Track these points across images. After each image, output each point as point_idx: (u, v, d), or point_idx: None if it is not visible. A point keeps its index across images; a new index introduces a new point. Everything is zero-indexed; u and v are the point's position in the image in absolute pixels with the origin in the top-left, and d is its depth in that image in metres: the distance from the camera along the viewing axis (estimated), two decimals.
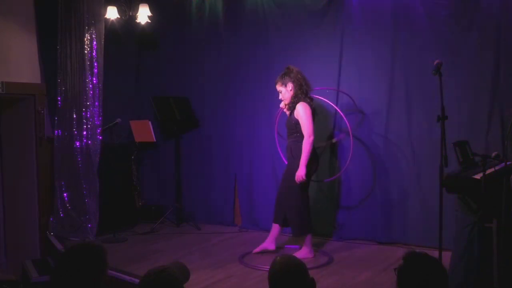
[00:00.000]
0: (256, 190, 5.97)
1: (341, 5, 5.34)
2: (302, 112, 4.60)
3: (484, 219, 3.48)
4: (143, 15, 5.91)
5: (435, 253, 3.36)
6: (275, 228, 4.89)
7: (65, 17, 5.57)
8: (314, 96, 4.94)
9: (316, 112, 4.85)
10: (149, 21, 5.96)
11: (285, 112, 4.89)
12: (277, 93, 4.79)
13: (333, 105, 5.18)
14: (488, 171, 3.44)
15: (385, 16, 5.10)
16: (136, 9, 5.96)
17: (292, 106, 4.69)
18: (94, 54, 5.53)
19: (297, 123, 4.65)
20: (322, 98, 5.13)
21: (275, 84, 4.80)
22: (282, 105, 4.86)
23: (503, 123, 4.56)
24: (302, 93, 4.68)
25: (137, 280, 4.06)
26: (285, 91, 4.73)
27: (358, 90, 5.29)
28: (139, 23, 5.99)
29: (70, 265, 2.16)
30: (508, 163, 3.45)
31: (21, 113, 5.76)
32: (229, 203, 6.17)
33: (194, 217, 6.21)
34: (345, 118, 5.06)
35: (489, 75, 4.63)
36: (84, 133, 5.55)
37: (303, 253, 4.69)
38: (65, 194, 5.63)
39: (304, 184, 4.67)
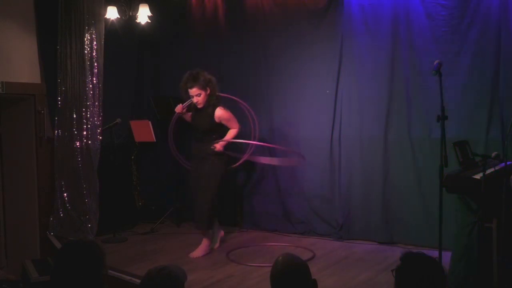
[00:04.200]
0: (256, 190, 5.96)
1: (341, 5, 5.33)
2: (226, 115, 4.90)
3: (484, 219, 3.48)
4: (143, 15, 5.90)
5: (435, 253, 3.36)
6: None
7: (65, 17, 5.55)
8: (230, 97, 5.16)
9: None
10: (149, 21, 5.96)
11: (184, 116, 5.10)
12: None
13: (246, 105, 5.27)
14: (488, 171, 3.45)
15: (385, 16, 5.10)
16: (136, 9, 5.95)
17: (211, 110, 4.86)
18: (94, 54, 5.52)
19: (220, 125, 4.89)
20: (235, 99, 5.24)
21: (192, 87, 4.81)
22: (178, 109, 4.99)
23: (503, 123, 4.56)
24: (216, 97, 4.89)
25: (137, 280, 4.06)
26: (205, 95, 4.84)
27: (358, 90, 5.30)
28: (139, 23, 5.98)
29: (67, 262, 2.16)
30: (508, 163, 3.46)
31: (21, 113, 5.75)
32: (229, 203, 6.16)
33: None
34: (255, 118, 5.24)
35: (489, 75, 4.63)
36: (84, 133, 5.54)
37: (202, 250, 4.93)
38: (65, 194, 5.62)
39: (221, 183, 4.94)
